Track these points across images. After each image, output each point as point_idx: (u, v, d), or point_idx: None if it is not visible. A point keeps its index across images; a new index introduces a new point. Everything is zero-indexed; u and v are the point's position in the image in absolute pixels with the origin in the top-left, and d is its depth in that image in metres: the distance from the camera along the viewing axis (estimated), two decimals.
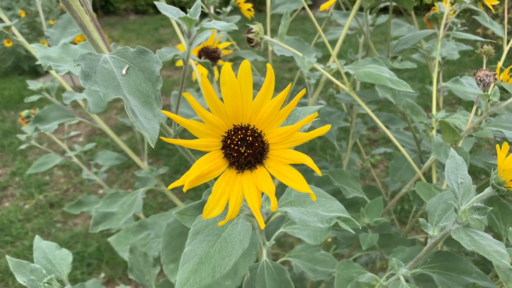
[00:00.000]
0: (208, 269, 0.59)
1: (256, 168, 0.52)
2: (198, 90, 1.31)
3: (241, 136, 0.51)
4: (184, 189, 0.45)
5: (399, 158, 1.46)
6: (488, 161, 1.32)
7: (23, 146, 1.55)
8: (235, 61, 1.55)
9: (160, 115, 0.59)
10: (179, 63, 1.41)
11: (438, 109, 1.51)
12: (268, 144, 0.52)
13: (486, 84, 1.02)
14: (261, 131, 0.52)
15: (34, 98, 1.22)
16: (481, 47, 1.54)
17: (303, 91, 0.47)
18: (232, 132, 0.51)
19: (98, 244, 2.86)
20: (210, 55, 1.14)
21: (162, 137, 0.48)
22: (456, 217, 0.78)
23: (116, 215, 1.18)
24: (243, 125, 0.52)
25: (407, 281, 0.93)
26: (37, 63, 0.86)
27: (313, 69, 1.19)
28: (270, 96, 0.49)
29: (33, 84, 1.22)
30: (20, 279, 0.91)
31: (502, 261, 0.69)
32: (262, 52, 1.20)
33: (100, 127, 1.32)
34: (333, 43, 1.40)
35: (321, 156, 3.42)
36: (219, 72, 1.46)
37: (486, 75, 1.03)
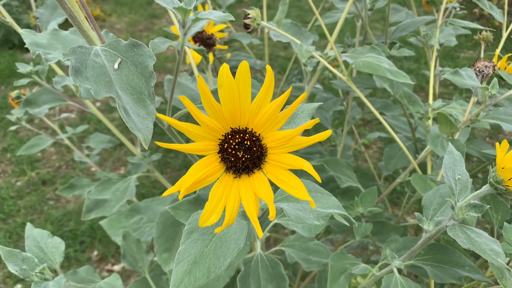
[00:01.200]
0: (203, 269, 0.58)
1: (254, 172, 0.50)
2: (192, 74, 1.28)
3: (239, 140, 0.49)
4: (180, 197, 0.43)
5: (393, 146, 1.45)
6: (482, 150, 1.32)
7: (13, 128, 1.52)
8: (230, 43, 1.52)
9: (154, 113, 0.57)
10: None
11: (434, 94, 1.50)
12: (267, 148, 0.50)
13: (485, 75, 1.01)
14: (259, 134, 0.50)
15: (24, 81, 1.18)
16: (480, 33, 1.52)
17: (303, 95, 0.46)
18: (230, 136, 0.50)
19: (90, 222, 2.86)
20: (205, 42, 1.11)
21: (156, 142, 0.46)
22: (452, 213, 0.77)
23: (109, 202, 1.17)
24: (241, 128, 0.50)
25: (400, 272, 0.93)
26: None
27: (310, 56, 1.17)
28: (269, 98, 0.47)
29: (23, 67, 1.18)
30: (11, 268, 0.90)
31: (498, 260, 0.69)
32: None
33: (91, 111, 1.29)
34: (329, 26, 1.38)
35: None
36: (214, 56, 1.43)
37: (486, 66, 1.01)
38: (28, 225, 0.98)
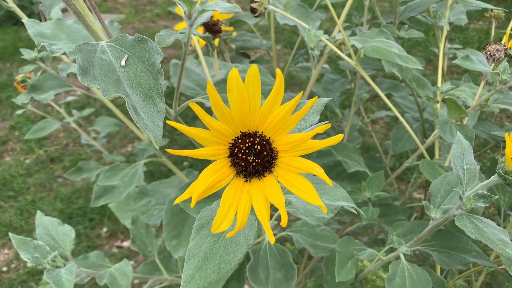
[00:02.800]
0: (214, 265, 0.59)
1: (265, 176, 0.50)
2: (196, 57, 1.27)
3: (249, 144, 0.49)
4: (192, 205, 0.44)
5: (401, 128, 1.44)
6: (491, 131, 1.31)
7: (19, 112, 1.52)
8: (236, 25, 1.49)
9: (163, 111, 0.57)
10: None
11: (443, 74, 1.48)
12: (277, 151, 0.50)
13: (496, 59, 0.99)
14: (269, 137, 0.50)
15: (29, 68, 1.18)
16: (491, 10, 1.49)
17: (314, 99, 0.45)
18: (240, 140, 0.49)
19: None
20: (210, 28, 1.09)
21: (168, 149, 0.46)
22: (460, 203, 0.77)
23: (117, 188, 1.18)
24: (251, 132, 0.49)
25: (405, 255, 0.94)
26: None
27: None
28: (279, 102, 0.47)
29: (27, 53, 1.18)
30: (24, 256, 0.91)
31: (506, 250, 0.70)
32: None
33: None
34: (334, 5, 1.34)
35: (321, 114, 3.38)
36: (219, 37, 1.41)
37: (497, 50, 0.99)
38: (38, 213, 0.99)
